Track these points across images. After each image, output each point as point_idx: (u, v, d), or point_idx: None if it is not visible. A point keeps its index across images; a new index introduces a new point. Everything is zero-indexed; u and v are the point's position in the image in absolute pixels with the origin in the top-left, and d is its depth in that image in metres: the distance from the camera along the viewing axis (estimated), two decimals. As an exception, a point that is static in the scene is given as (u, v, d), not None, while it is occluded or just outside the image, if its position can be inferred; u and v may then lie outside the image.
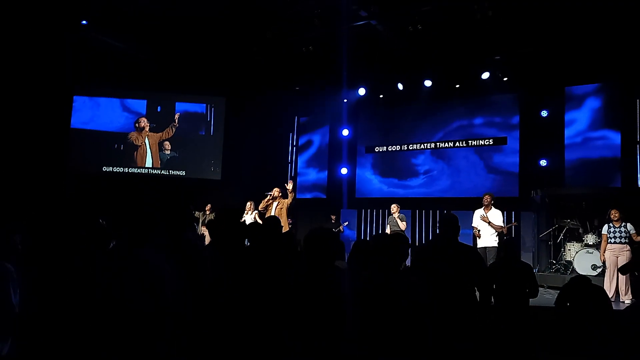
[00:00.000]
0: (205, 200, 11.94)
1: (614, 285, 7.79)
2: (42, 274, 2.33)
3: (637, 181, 9.91)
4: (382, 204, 12.26)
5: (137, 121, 13.37)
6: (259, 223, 8.59)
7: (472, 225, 8.64)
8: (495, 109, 11.77)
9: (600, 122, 10.42)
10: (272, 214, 8.77)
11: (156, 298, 2.23)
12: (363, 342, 2.85)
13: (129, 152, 13.30)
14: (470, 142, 11.99)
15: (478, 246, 8.42)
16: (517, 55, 10.52)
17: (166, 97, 13.59)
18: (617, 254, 7.81)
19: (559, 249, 9.94)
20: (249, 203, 10.43)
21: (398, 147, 12.98)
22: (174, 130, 13.46)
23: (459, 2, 9.23)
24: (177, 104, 13.67)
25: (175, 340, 2.29)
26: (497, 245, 8.38)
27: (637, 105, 10.11)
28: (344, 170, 13.46)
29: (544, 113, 10.85)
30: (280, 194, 9.21)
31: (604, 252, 8.02)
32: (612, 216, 7.93)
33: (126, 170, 13.23)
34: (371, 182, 13.37)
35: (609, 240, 7.90)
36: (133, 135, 13.33)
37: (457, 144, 12.15)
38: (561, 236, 9.86)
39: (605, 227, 8.04)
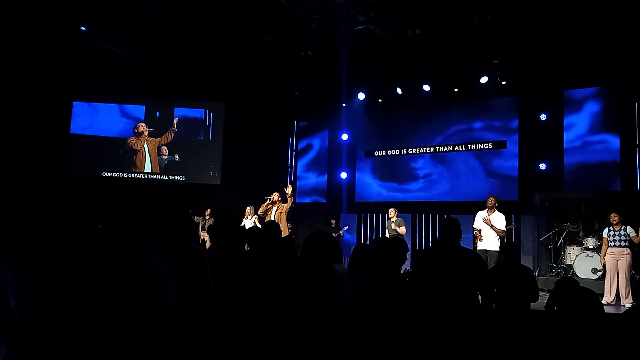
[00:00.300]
0: (205, 205, 11.94)
1: (614, 288, 7.77)
2: (42, 275, 2.33)
3: (637, 185, 9.92)
4: (382, 208, 12.25)
5: (136, 126, 13.38)
6: (259, 227, 8.60)
7: (473, 226, 8.60)
8: (494, 113, 11.78)
9: (599, 126, 10.42)
10: (272, 218, 8.77)
11: (156, 299, 2.23)
12: (363, 343, 2.84)
13: (128, 157, 13.30)
14: (469, 146, 12.00)
15: (478, 248, 8.37)
16: (515, 59, 10.54)
17: (165, 103, 13.61)
18: (617, 257, 7.80)
19: (559, 252, 9.93)
20: (248, 208, 10.42)
21: (397, 151, 12.98)
22: (172, 135, 13.46)
23: (457, 5, 9.25)
24: (175, 109, 13.68)
25: (175, 341, 2.29)
26: (498, 250, 8.31)
27: (636, 109, 10.13)
28: (343, 175, 13.46)
29: (543, 117, 10.87)
30: (279, 199, 9.21)
31: (604, 256, 8.02)
32: (611, 220, 7.93)
33: (125, 175, 13.22)
34: (370, 186, 13.37)
35: (609, 243, 7.90)
36: (132, 140, 13.33)
37: (457, 147, 12.16)
38: (561, 240, 9.85)
39: (606, 230, 8.04)
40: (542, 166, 10.81)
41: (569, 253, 9.62)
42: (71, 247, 2.49)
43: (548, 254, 10.29)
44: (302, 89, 13.32)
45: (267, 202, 9.04)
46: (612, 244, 7.86)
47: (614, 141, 10.20)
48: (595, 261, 8.89)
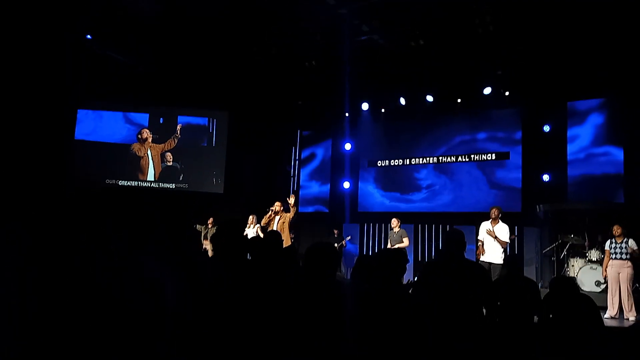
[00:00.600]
0: (208, 214, 11.94)
1: (616, 301, 7.72)
2: (42, 275, 2.32)
3: (641, 197, 9.88)
4: (384, 218, 12.22)
5: (140, 132, 13.40)
6: (261, 237, 8.58)
7: (478, 238, 8.45)
8: (498, 124, 11.78)
9: (603, 138, 10.40)
10: (274, 228, 8.75)
11: (156, 300, 2.23)
12: (363, 352, 2.83)
13: (131, 164, 13.32)
14: (472, 156, 11.99)
15: (481, 260, 8.27)
16: (519, 70, 10.56)
17: (169, 112, 13.65)
18: (618, 269, 7.76)
19: (562, 264, 9.87)
20: (251, 217, 10.41)
21: (400, 161, 12.98)
22: (176, 142, 13.49)
23: (461, 17, 9.28)
24: (179, 117, 13.73)
25: (175, 342, 2.28)
26: (502, 263, 8.17)
27: (641, 121, 10.12)
28: (346, 185, 13.46)
29: (547, 128, 10.86)
30: (282, 208, 9.20)
31: (606, 268, 7.97)
32: (614, 232, 7.89)
33: (128, 183, 13.24)
34: (373, 196, 13.36)
35: (611, 255, 7.86)
36: (135, 147, 13.36)
37: (460, 158, 12.15)
38: (564, 252, 9.80)
39: (608, 242, 8.00)
40: (546, 177, 10.79)
41: (572, 265, 9.56)
42: (71, 247, 2.49)
43: (551, 266, 10.23)
44: (306, 99, 13.37)
45: (270, 212, 9.02)
46: (614, 256, 7.82)
47: (618, 153, 10.17)
48: (598, 274, 8.83)
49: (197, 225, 11.48)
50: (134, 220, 2.49)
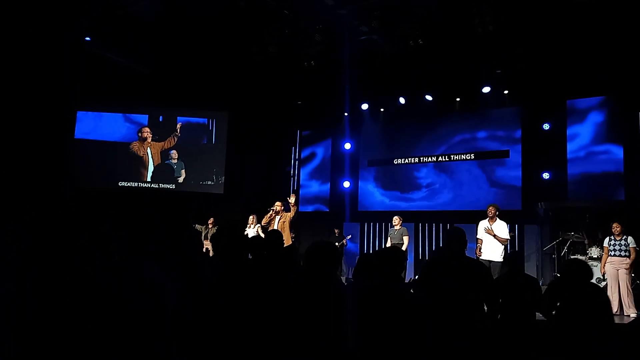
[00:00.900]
0: (208, 214, 11.95)
1: (616, 298, 7.74)
2: (41, 275, 2.33)
3: (641, 195, 9.89)
4: (384, 217, 12.25)
5: (140, 130, 13.41)
6: (261, 237, 8.60)
7: (477, 237, 8.47)
8: (498, 123, 11.79)
9: (603, 136, 10.41)
10: (275, 228, 8.77)
11: (156, 300, 2.24)
12: (364, 351, 2.84)
13: (131, 163, 13.32)
14: (472, 155, 12.00)
15: (481, 259, 8.28)
16: (518, 69, 10.57)
17: (168, 112, 13.66)
18: (617, 266, 7.79)
19: (562, 262, 9.88)
20: (251, 217, 10.43)
21: (400, 160, 13.00)
22: (176, 140, 13.50)
23: (460, 16, 9.30)
24: (179, 118, 13.75)
25: (176, 343, 2.29)
26: (502, 260, 8.19)
27: (640, 119, 10.13)
28: (346, 184, 13.48)
29: (546, 126, 10.87)
30: (282, 208, 9.22)
31: (604, 265, 7.99)
32: (613, 229, 7.90)
33: (128, 184, 13.25)
34: (373, 195, 13.37)
35: (610, 252, 7.89)
36: (135, 145, 13.38)
37: (459, 157, 12.16)
38: (565, 249, 9.81)
39: (607, 239, 8.02)
40: (546, 175, 10.80)
41: (573, 263, 9.55)
42: (71, 247, 2.50)
43: (552, 263, 10.25)
44: (306, 99, 13.39)
45: (270, 212, 9.04)
46: (613, 253, 7.85)
47: (618, 151, 10.19)
48: (598, 271, 8.85)
49: (197, 226, 11.49)
50: (134, 220, 2.50)
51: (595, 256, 9.18)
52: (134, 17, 9.98)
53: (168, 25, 10.21)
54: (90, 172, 12.97)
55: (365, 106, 13.03)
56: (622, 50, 9.31)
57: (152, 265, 2.34)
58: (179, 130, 13.52)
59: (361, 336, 2.90)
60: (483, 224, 8.47)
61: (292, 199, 9.18)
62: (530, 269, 10.03)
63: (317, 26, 10.02)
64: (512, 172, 11.43)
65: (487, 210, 8.56)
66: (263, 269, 3.32)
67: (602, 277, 8.79)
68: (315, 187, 14.14)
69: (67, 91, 12.01)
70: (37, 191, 10.34)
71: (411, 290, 4.05)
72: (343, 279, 10.37)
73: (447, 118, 12.38)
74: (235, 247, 3.27)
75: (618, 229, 7.85)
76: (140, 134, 13.38)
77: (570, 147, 10.67)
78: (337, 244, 11.59)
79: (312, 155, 14.37)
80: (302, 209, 13.42)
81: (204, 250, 10.84)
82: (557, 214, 10.37)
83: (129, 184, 13.23)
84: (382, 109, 13.10)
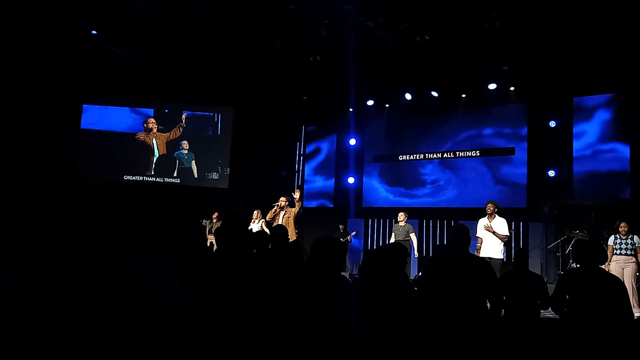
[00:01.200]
0: (213, 209, 11.97)
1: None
2: (42, 275, 2.34)
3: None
4: (389, 213, 12.25)
5: (146, 121, 13.44)
6: (266, 232, 8.61)
7: (477, 235, 8.39)
8: (503, 120, 11.75)
9: (609, 135, 10.36)
10: (280, 223, 8.78)
11: (156, 299, 2.24)
12: (367, 347, 2.84)
13: (136, 154, 13.35)
14: (477, 152, 11.97)
15: (481, 256, 8.24)
16: (525, 66, 10.51)
17: (174, 107, 13.68)
18: (622, 265, 7.76)
19: (567, 260, 9.86)
20: (255, 211, 10.44)
21: (405, 157, 12.98)
22: (181, 130, 13.53)
23: (467, 12, 9.25)
24: (184, 112, 13.78)
25: (177, 342, 2.29)
26: (502, 257, 8.17)
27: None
28: (351, 180, 13.47)
29: (552, 124, 10.82)
30: (287, 203, 9.22)
31: (609, 264, 7.96)
32: (620, 228, 7.86)
33: (133, 178, 13.27)
34: (377, 191, 13.37)
35: (615, 251, 7.86)
36: (141, 136, 13.41)
37: (465, 154, 12.12)
38: (569, 247, 9.78)
39: (612, 237, 7.98)
40: (552, 173, 10.75)
41: (577, 261, 9.52)
42: (72, 245, 2.50)
43: (556, 261, 10.23)
44: (311, 94, 13.37)
45: (275, 207, 9.04)
46: (618, 252, 7.82)
47: (624, 150, 10.13)
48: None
49: (202, 220, 11.51)
50: (136, 217, 2.50)
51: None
52: (139, 11, 9.96)
53: (174, 19, 10.20)
54: (96, 164, 12.99)
55: (370, 102, 13.02)
56: (629, 47, 9.24)
57: (155, 263, 2.35)
58: (184, 120, 13.53)
59: (365, 332, 2.90)
60: (483, 222, 8.41)
61: (296, 194, 9.18)
62: (535, 267, 9.99)
63: (322, 21, 10.00)
64: (517, 169, 11.39)
65: (485, 207, 8.51)
66: (267, 264, 3.32)
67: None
68: (320, 183, 14.14)
69: (73, 85, 12.04)
70: (39, 187, 10.38)
71: (415, 287, 4.05)
72: (347, 274, 10.38)
73: (452, 114, 12.34)
74: (240, 242, 3.27)
75: (625, 229, 7.81)
76: (145, 125, 13.41)
77: (576, 145, 10.62)
78: (341, 239, 11.60)
79: (316, 151, 14.36)
80: (306, 204, 13.42)
81: (208, 244, 10.90)
82: (562, 211, 10.33)
83: (133, 178, 13.26)
84: (387, 105, 13.08)
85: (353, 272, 11.67)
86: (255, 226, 10.17)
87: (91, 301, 2.20)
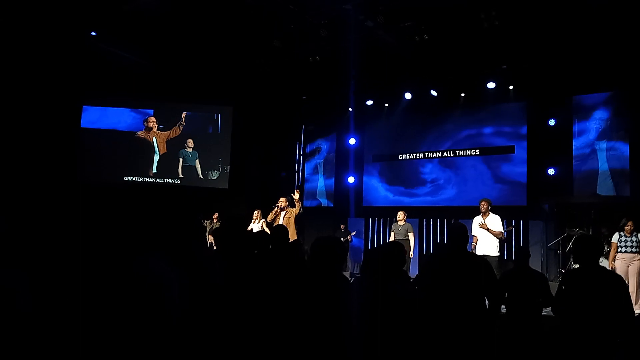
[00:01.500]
0: (213, 209, 11.98)
1: (623, 294, 7.72)
2: (44, 276, 2.35)
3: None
4: (389, 213, 12.26)
5: (146, 120, 13.46)
6: (266, 232, 8.62)
7: (472, 234, 8.28)
8: (503, 118, 11.75)
9: (609, 133, 10.36)
10: (280, 223, 8.79)
11: (155, 299, 2.25)
12: (368, 347, 2.85)
13: (136, 154, 13.36)
14: (477, 150, 11.98)
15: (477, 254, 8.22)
16: (524, 64, 10.51)
17: (174, 107, 13.69)
18: (627, 263, 7.78)
19: (567, 258, 9.87)
20: (256, 212, 10.45)
21: (405, 156, 12.99)
22: (181, 129, 13.53)
23: (466, 11, 9.25)
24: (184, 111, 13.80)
25: (176, 342, 2.30)
26: (498, 254, 8.15)
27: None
28: (351, 179, 13.47)
29: (552, 122, 10.82)
30: (287, 204, 9.24)
31: (613, 261, 7.97)
32: (626, 227, 7.86)
33: (133, 179, 13.27)
34: (377, 190, 13.38)
35: (619, 249, 7.86)
36: (141, 134, 13.43)
37: (464, 152, 12.13)
38: (570, 245, 9.78)
39: (616, 235, 7.98)
40: (551, 171, 10.76)
41: (578, 258, 9.53)
42: (74, 247, 2.52)
43: (557, 259, 10.24)
44: (311, 94, 13.38)
45: (275, 209, 9.07)
46: (623, 249, 7.83)
47: (624, 149, 10.14)
48: (604, 266, 8.83)
49: (204, 221, 11.52)
50: (137, 218, 2.51)
51: (600, 252, 9.17)
52: (138, 11, 9.97)
53: (173, 19, 10.21)
54: (96, 164, 12.98)
55: (370, 101, 13.03)
56: (629, 46, 9.24)
57: (155, 264, 2.36)
58: (184, 119, 13.54)
59: (365, 332, 2.91)
60: (477, 220, 8.37)
61: (296, 195, 9.19)
62: (535, 265, 9.97)
63: (322, 21, 10.00)
64: (517, 168, 11.40)
65: (479, 205, 8.48)
66: (268, 265, 3.34)
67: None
68: (320, 182, 14.15)
69: (72, 87, 12.07)
70: (42, 187, 10.40)
71: (414, 286, 4.07)
72: (347, 274, 10.38)
73: (452, 113, 12.35)
74: (240, 243, 3.28)
75: (632, 227, 7.83)
76: (146, 123, 13.43)
77: (576, 143, 10.63)
78: (342, 239, 11.61)
79: (316, 151, 14.37)
80: (306, 203, 13.45)
81: (208, 244, 10.90)
82: (562, 209, 10.35)
83: (134, 179, 13.26)
84: (387, 104, 13.09)
85: (354, 272, 11.68)
86: (256, 226, 10.17)
87: (92, 302, 2.21)
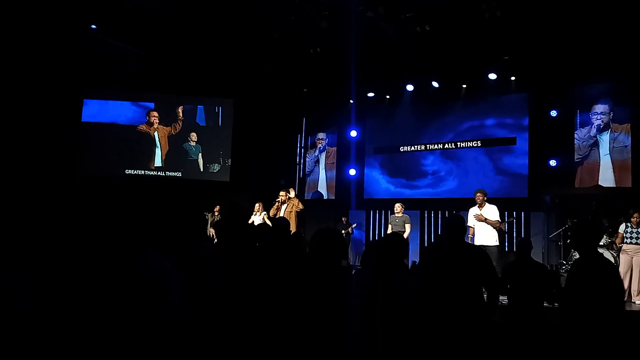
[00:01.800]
0: (214, 202, 11.99)
1: (626, 285, 7.75)
2: (43, 275, 2.35)
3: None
4: (390, 205, 12.23)
5: (148, 114, 13.49)
6: (268, 224, 8.64)
7: (468, 225, 8.24)
8: (505, 110, 11.72)
9: (610, 124, 10.32)
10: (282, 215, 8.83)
11: (158, 301, 2.25)
12: (369, 339, 2.86)
13: (138, 147, 13.38)
14: (478, 142, 11.95)
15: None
16: (525, 55, 10.47)
17: (174, 100, 13.69)
18: (632, 254, 7.83)
19: (569, 249, 9.87)
20: (257, 204, 10.47)
21: (407, 148, 12.96)
22: (180, 125, 13.59)
23: (467, 2, 9.21)
24: (185, 106, 13.79)
25: (176, 341, 2.30)
26: (497, 244, 8.15)
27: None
28: (352, 172, 13.46)
29: (554, 113, 10.79)
30: (287, 197, 9.28)
31: (618, 247, 8.03)
32: (633, 218, 7.88)
33: (135, 172, 13.29)
34: (379, 182, 13.37)
35: (625, 240, 7.90)
36: (143, 128, 13.45)
37: (466, 144, 12.11)
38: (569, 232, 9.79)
39: (623, 225, 8.03)
40: (553, 163, 10.74)
41: (579, 249, 9.53)
42: (73, 245, 2.51)
43: (558, 250, 10.24)
44: (311, 86, 13.34)
45: (276, 203, 9.13)
46: (629, 241, 7.86)
47: (625, 139, 10.11)
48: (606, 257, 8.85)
49: (206, 214, 11.54)
50: (140, 211, 2.51)
51: (602, 243, 9.17)
52: (138, 4, 9.94)
53: (172, 12, 10.17)
54: (97, 158, 13.01)
55: (371, 94, 12.99)
56: (631, 36, 9.19)
57: (155, 257, 2.36)
58: (181, 113, 13.55)
59: (366, 323, 2.92)
60: (473, 211, 8.37)
61: (291, 193, 9.27)
62: (536, 256, 9.98)
63: (322, 12, 9.96)
64: (519, 159, 11.37)
65: (475, 197, 8.47)
66: (269, 258, 3.33)
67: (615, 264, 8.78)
68: (321, 175, 14.14)
69: (72, 79, 12.05)
70: (43, 183, 10.41)
71: (414, 276, 4.07)
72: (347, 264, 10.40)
73: (453, 105, 12.32)
74: (241, 236, 3.28)
75: (637, 219, 7.84)
76: (148, 117, 13.45)
77: (577, 134, 10.60)
78: (343, 231, 11.63)
79: (317, 143, 14.36)
80: (307, 196, 13.48)
81: (210, 236, 10.93)
82: (563, 201, 10.34)
83: (135, 172, 13.27)
84: (388, 96, 13.06)
85: (355, 264, 11.70)
86: (257, 219, 10.19)
87: (92, 301, 2.22)
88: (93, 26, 11.15)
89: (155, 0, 9.75)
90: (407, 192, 12.72)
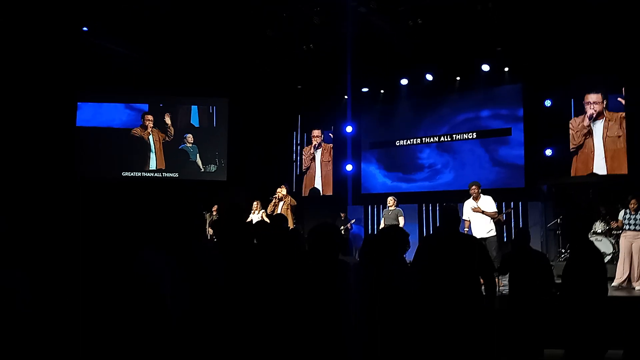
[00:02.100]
0: (212, 202, 11.98)
1: (626, 270, 7.81)
2: (43, 274, 2.35)
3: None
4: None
5: (143, 117, 13.48)
6: (266, 221, 8.64)
7: (463, 218, 8.20)
8: (499, 101, 11.73)
9: (605, 112, 10.34)
10: (279, 212, 8.84)
11: (158, 301, 2.25)
12: (368, 334, 2.87)
13: (133, 150, 13.37)
14: (474, 134, 11.96)
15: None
16: (519, 46, 10.47)
17: (168, 100, 13.67)
18: (631, 240, 7.87)
19: (567, 238, 9.90)
20: (255, 202, 10.47)
21: (402, 142, 12.97)
22: (172, 131, 13.62)
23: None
24: (179, 106, 13.77)
25: (175, 340, 2.31)
26: (495, 235, 8.16)
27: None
28: (349, 167, 13.47)
29: (548, 103, 10.81)
30: (285, 193, 9.31)
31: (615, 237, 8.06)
32: (631, 205, 7.93)
33: (132, 174, 13.27)
34: (375, 177, 13.38)
35: (625, 226, 7.94)
36: (137, 131, 13.43)
37: (462, 136, 12.12)
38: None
39: (622, 212, 8.08)
40: (548, 152, 10.76)
41: (577, 238, 9.58)
42: (72, 246, 2.52)
43: (556, 239, 10.29)
44: (306, 83, 13.33)
45: (274, 200, 9.15)
46: (628, 227, 7.90)
47: (619, 128, 10.12)
48: (603, 245, 8.89)
49: (204, 213, 11.53)
50: (138, 212, 2.51)
51: (599, 231, 9.24)
52: (131, 4, 9.91)
53: (165, 12, 10.13)
54: (93, 162, 13.00)
55: (365, 88, 12.99)
56: (625, 26, 9.20)
57: (150, 256, 2.36)
58: (169, 120, 13.58)
59: (365, 317, 2.92)
60: (469, 204, 8.36)
61: (283, 190, 9.31)
62: (535, 246, 9.97)
63: (315, 9, 9.94)
64: (514, 150, 11.39)
65: (469, 189, 8.46)
66: (267, 255, 3.34)
67: (606, 252, 8.82)
68: (317, 171, 14.14)
69: (66, 83, 12.02)
70: (39, 185, 10.39)
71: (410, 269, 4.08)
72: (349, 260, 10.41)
73: (448, 98, 12.32)
74: (239, 233, 3.28)
75: (636, 205, 7.88)
76: (142, 120, 13.44)
77: (571, 123, 10.62)
78: (342, 227, 11.64)
79: (313, 139, 14.35)
80: (304, 193, 13.49)
81: (209, 236, 10.91)
82: (560, 190, 10.38)
83: (132, 174, 13.26)
84: (382, 91, 13.06)
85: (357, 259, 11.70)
86: (256, 217, 10.20)
87: (91, 300, 2.22)
88: (85, 28, 11.09)
89: (146, 1, 9.72)
90: (404, 186, 12.73)
